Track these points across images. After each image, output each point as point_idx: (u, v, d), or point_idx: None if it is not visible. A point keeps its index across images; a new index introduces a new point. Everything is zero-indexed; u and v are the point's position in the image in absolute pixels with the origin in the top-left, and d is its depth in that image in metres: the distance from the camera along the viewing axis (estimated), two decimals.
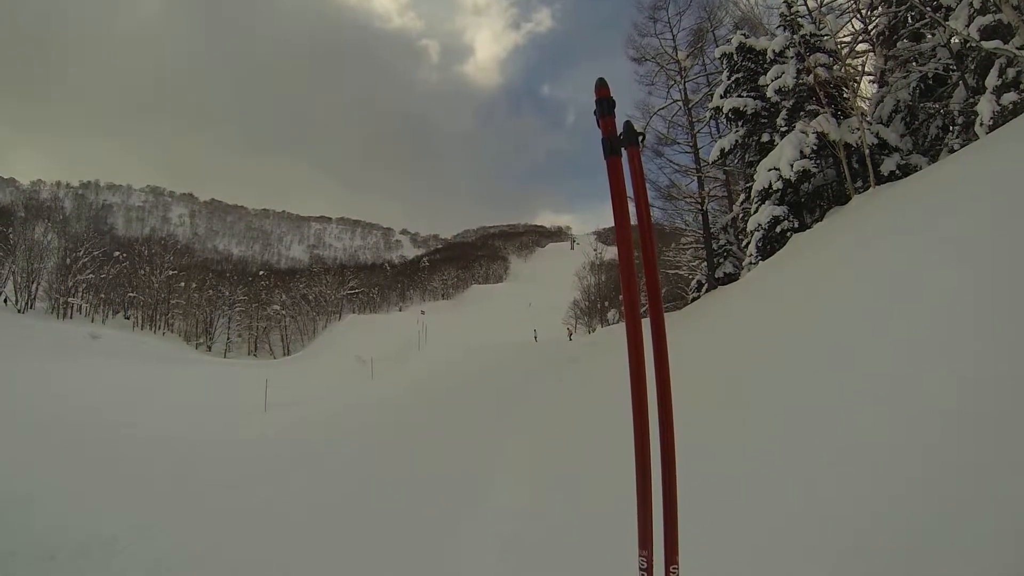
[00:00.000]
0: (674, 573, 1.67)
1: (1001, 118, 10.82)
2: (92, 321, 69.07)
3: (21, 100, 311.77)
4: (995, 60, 11.53)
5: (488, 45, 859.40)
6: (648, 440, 1.56)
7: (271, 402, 23.87)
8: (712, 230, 22.08)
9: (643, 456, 1.56)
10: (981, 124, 11.33)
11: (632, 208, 1.64)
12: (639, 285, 1.82)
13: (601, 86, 1.55)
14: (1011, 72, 11.22)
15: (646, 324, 1.59)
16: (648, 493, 1.59)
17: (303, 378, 37.67)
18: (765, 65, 17.22)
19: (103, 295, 75.73)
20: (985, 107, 11.38)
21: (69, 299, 67.32)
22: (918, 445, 3.38)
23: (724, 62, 19.28)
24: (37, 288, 64.13)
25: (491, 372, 21.09)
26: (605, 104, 1.55)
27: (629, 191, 1.64)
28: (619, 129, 1.58)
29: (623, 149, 1.58)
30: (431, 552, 6.18)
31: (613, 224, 1.58)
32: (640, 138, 1.63)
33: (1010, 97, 11.03)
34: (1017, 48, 10.39)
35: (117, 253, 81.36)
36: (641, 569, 1.61)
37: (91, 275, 71.22)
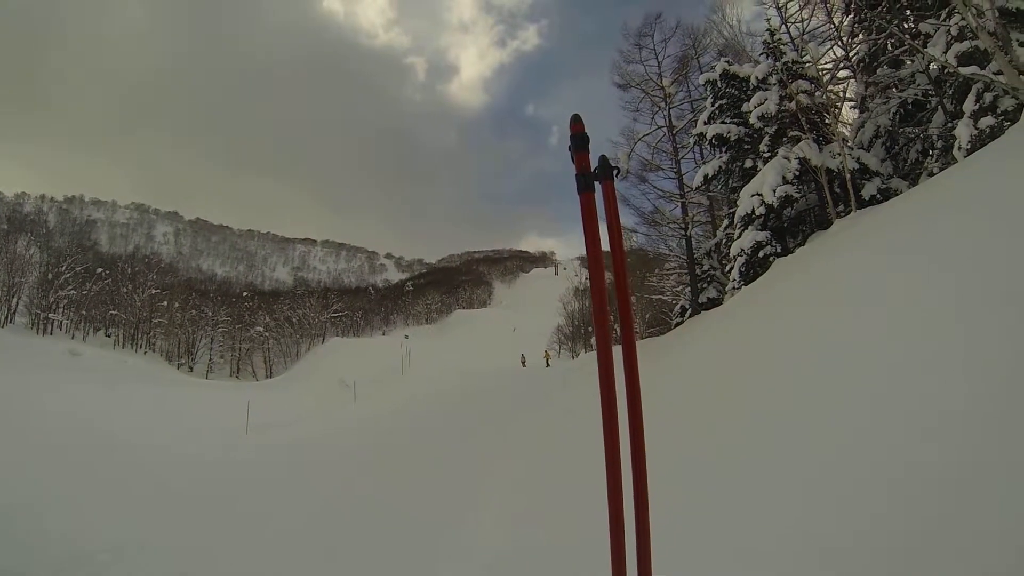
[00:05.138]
0: None
1: (979, 142, 10.98)
2: (72, 338, 68.23)
3: (4, 111, 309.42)
4: (972, 86, 11.72)
5: (474, 63, 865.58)
6: (619, 469, 1.57)
7: (253, 424, 23.69)
8: (696, 255, 22.16)
9: (615, 485, 1.56)
10: (959, 148, 11.49)
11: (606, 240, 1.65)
12: (612, 316, 1.83)
13: (575, 122, 1.56)
14: (988, 97, 11.41)
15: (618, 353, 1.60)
16: (620, 521, 1.60)
17: (286, 401, 37.40)
18: (748, 92, 17.41)
19: (84, 312, 74.74)
20: (963, 131, 11.56)
21: (50, 315, 66.54)
22: (916, 452, 3.41)
23: (708, 89, 19.49)
24: (17, 303, 63.42)
25: (475, 397, 21.03)
26: (579, 140, 1.56)
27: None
28: (594, 164, 1.59)
29: (597, 183, 1.59)
30: (415, 571, 6.14)
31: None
32: (615, 172, 1.64)
33: (987, 121, 11.21)
34: (994, 73, 10.58)
35: (100, 270, 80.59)
36: None
37: (73, 291, 70.44)
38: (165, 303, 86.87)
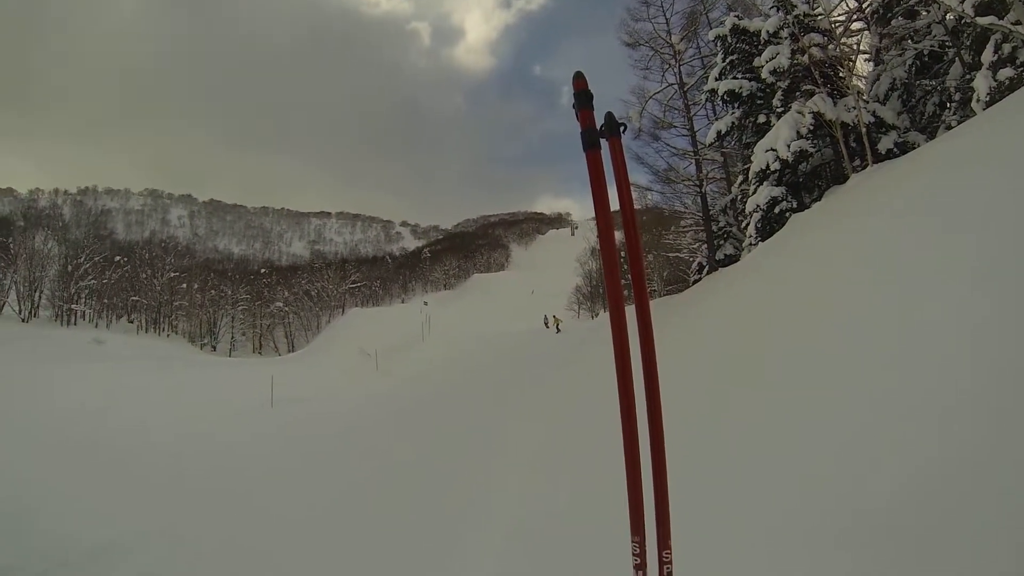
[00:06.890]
0: (667, 558, 1.69)
1: (998, 94, 10.77)
2: (96, 326, 69.24)
3: (11, 108, 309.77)
4: (990, 36, 11.45)
5: (478, 26, 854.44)
6: (635, 429, 1.57)
7: (278, 398, 24.00)
8: (711, 212, 22.02)
9: (631, 445, 1.57)
10: (978, 100, 11.27)
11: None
12: (623, 275, 1.82)
13: (578, 79, 1.54)
14: (1007, 48, 11.15)
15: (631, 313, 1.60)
16: (638, 481, 1.60)
17: (309, 373, 37.72)
18: (759, 46, 17.11)
19: (106, 300, 75.68)
20: (981, 83, 11.33)
21: (72, 306, 67.37)
22: (920, 440, 3.37)
23: (718, 44, 19.19)
24: (40, 296, 64.19)
25: (496, 361, 21.14)
26: (583, 97, 1.54)
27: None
28: (599, 121, 1.58)
29: (604, 140, 1.58)
30: (440, 535, 6.26)
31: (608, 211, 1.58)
32: (622, 128, 1.62)
33: (1006, 73, 10.97)
34: (1012, 23, 10.31)
35: (118, 258, 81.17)
36: (634, 555, 1.63)
37: (93, 281, 71.11)
38: (184, 285, 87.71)
